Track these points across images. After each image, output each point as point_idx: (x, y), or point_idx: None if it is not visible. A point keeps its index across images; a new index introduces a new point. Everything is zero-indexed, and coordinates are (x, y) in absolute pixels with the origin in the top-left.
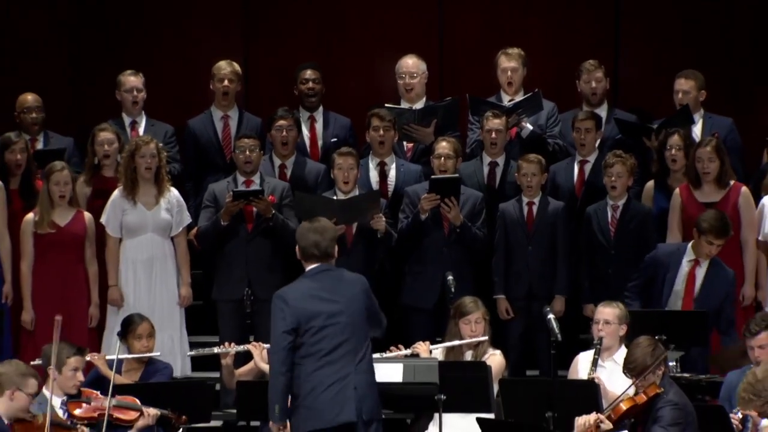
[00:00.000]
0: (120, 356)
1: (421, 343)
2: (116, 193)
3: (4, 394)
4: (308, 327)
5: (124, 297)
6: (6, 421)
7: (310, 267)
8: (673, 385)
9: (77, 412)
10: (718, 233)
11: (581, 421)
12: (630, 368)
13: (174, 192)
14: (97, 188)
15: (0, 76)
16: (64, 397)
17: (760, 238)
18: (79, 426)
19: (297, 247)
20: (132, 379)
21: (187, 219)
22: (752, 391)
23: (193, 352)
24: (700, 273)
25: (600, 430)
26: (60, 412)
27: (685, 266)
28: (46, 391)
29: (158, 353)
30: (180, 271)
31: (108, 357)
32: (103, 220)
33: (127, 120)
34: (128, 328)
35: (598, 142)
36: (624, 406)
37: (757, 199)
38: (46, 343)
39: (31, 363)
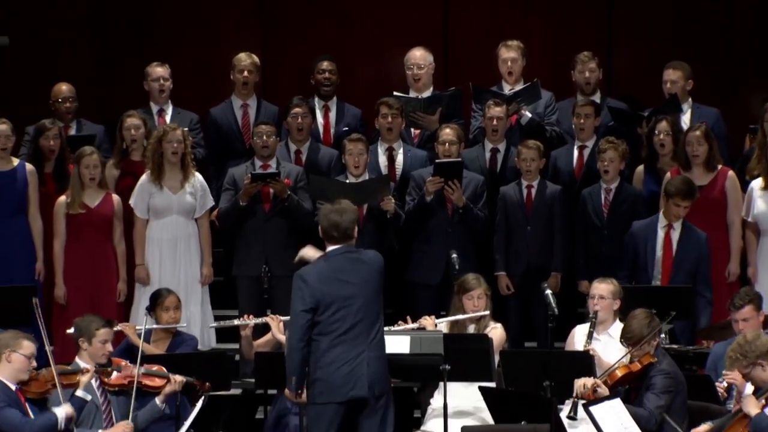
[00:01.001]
0: (149, 326)
1: (426, 317)
2: (144, 177)
3: (1, 359)
4: (325, 307)
5: (149, 275)
6: (14, 387)
7: (330, 248)
8: (666, 356)
9: (108, 379)
10: (684, 195)
11: (580, 382)
12: (627, 338)
13: (198, 176)
14: (125, 171)
15: (36, 67)
16: (96, 365)
17: (749, 219)
18: (84, 368)
19: (319, 228)
20: (160, 349)
21: (210, 202)
22: (740, 351)
23: (215, 325)
24: (675, 236)
25: (597, 394)
26: (92, 381)
27: (660, 232)
28: (78, 360)
29: (184, 324)
30: (203, 251)
31: (138, 327)
32: (131, 202)
33: (154, 108)
34: (156, 301)
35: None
36: (619, 373)
37: (743, 182)
38: (77, 316)
39: (67, 332)
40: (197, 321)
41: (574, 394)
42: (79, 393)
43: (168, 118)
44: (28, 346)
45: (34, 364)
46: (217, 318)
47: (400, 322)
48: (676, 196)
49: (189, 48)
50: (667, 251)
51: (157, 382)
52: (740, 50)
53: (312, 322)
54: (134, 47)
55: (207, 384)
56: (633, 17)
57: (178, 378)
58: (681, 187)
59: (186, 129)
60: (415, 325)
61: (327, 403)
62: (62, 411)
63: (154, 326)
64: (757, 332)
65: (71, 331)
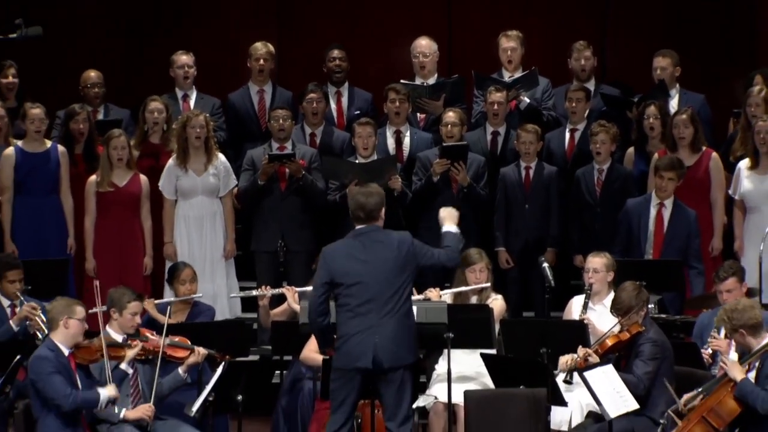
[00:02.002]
0: (168, 300)
1: (432, 288)
2: (171, 161)
3: (59, 326)
4: (340, 282)
5: (177, 251)
6: (66, 352)
7: (357, 227)
8: (653, 325)
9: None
10: (666, 167)
11: (565, 359)
12: (617, 309)
13: (221, 158)
14: (144, 153)
15: (66, 54)
16: (125, 336)
17: (736, 197)
18: (131, 342)
19: (349, 209)
20: (178, 319)
21: (233, 182)
22: (728, 315)
23: (234, 295)
24: (666, 214)
25: (588, 363)
26: None
27: (653, 210)
28: (109, 329)
29: (200, 295)
30: (226, 227)
31: (156, 301)
32: (159, 185)
33: (179, 93)
34: (173, 274)
35: (587, 112)
36: (609, 342)
37: (726, 163)
38: (106, 288)
39: (93, 310)
40: (223, 293)
41: (558, 369)
42: (123, 366)
43: (192, 103)
44: (81, 311)
45: (86, 326)
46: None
47: None
48: (660, 168)
49: (209, 37)
50: (658, 228)
51: (181, 353)
52: (724, 40)
53: (328, 294)
54: (158, 36)
55: (227, 356)
56: (626, 9)
57: (201, 350)
58: (664, 160)
59: (208, 114)
60: (421, 297)
61: (342, 368)
62: (106, 393)
63: (174, 299)
64: (750, 303)
65: (103, 308)
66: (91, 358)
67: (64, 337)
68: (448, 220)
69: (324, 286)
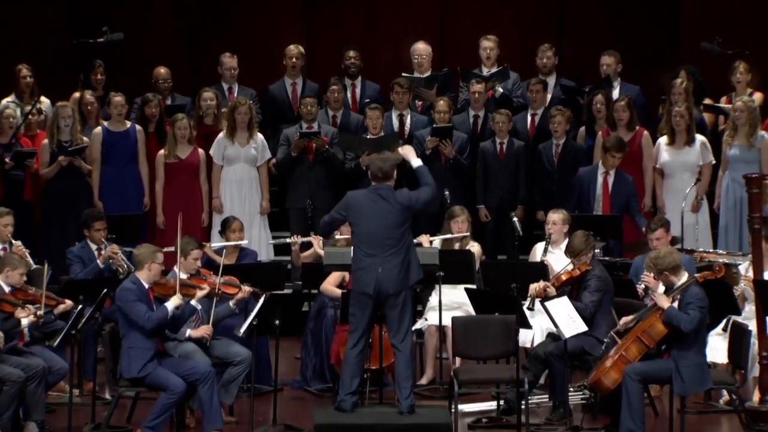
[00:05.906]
0: (221, 244)
1: (424, 234)
2: (221, 135)
3: (144, 268)
4: (353, 223)
5: (222, 204)
6: (147, 286)
7: (373, 184)
8: (599, 264)
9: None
10: (616, 149)
11: (533, 286)
12: (570, 251)
13: (260, 135)
14: (201, 132)
15: (142, 54)
16: (188, 275)
17: (657, 165)
18: (202, 286)
19: (369, 170)
20: (230, 261)
21: (268, 155)
22: (653, 261)
23: (272, 242)
24: (611, 180)
25: (547, 294)
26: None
27: (599, 177)
28: (176, 269)
29: (246, 241)
30: (262, 190)
31: (214, 245)
32: (211, 152)
33: (225, 86)
34: (226, 225)
35: (549, 99)
36: (564, 277)
37: (655, 140)
38: (173, 238)
39: (165, 249)
40: (260, 240)
41: (529, 294)
42: (193, 302)
43: (235, 94)
44: (161, 257)
45: (163, 267)
46: (274, 238)
47: None
48: (611, 149)
49: (251, 39)
50: (605, 191)
51: (231, 290)
52: (656, 41)
53: (333, 223)
54: (211, 40)
55: (267, 292)
56: (578, 18)
57: (247, 288)
58: (614, 143)
59: (251, 102)
60: (414, 241)
61: (356, 292)
62: (171, 304)
63: (226, 244)
64: (670, 250)
65: (171, 249)
66: (166, 293)
67: (146, 276)
68: (411, 154)
69: (339, 215)
